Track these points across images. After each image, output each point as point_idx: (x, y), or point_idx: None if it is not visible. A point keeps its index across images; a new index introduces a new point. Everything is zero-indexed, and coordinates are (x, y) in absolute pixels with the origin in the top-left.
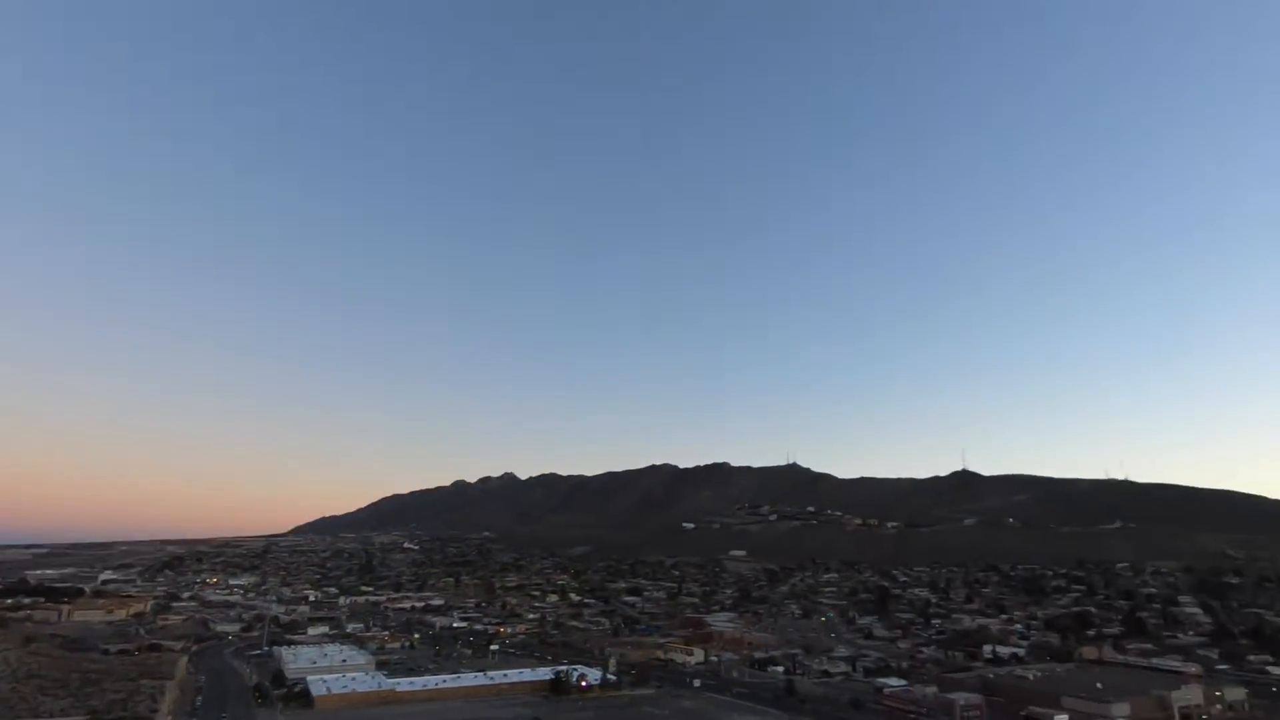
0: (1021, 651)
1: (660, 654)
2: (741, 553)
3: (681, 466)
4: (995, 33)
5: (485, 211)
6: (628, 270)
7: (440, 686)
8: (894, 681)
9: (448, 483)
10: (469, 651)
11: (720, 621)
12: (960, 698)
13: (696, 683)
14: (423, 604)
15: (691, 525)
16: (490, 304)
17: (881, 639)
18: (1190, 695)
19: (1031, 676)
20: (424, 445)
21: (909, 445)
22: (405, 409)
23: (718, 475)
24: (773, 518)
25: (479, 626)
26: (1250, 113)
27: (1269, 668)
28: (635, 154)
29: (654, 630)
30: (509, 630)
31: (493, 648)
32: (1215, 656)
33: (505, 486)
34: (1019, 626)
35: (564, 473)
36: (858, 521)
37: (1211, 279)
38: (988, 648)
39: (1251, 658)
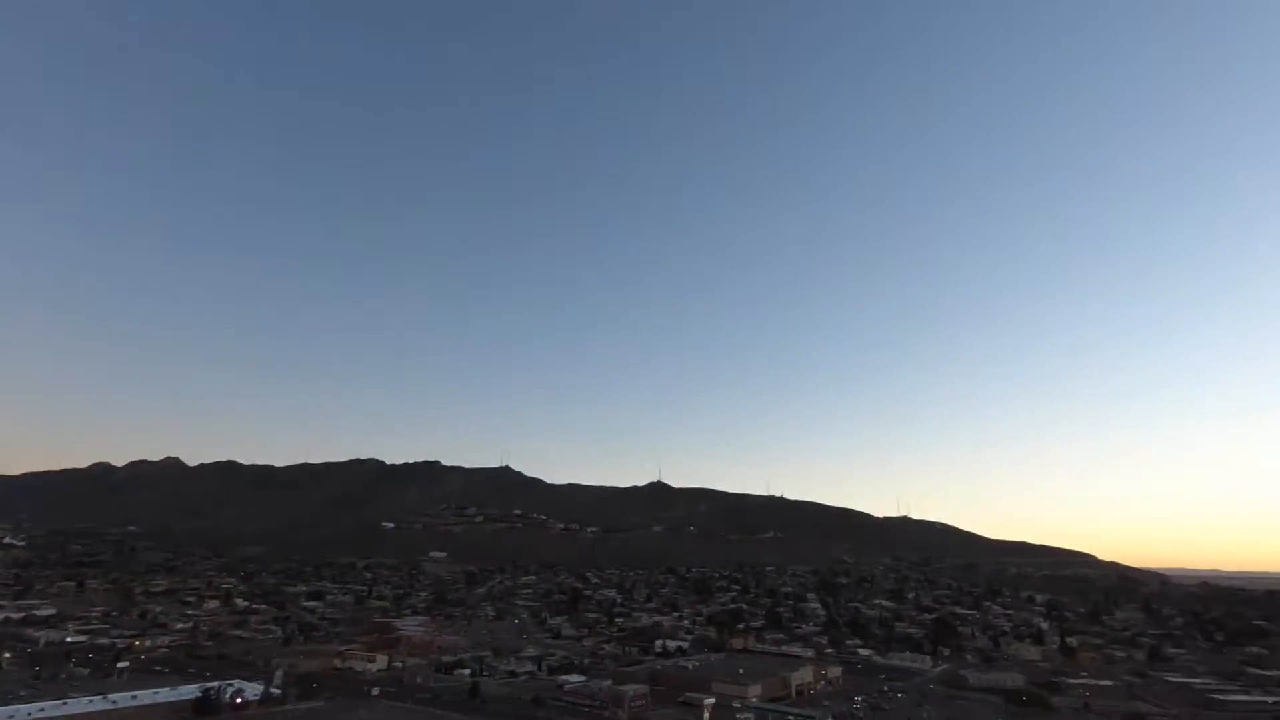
0: (686, 644)
1: (338, 663)
2: (443, 554)
3: (389, 462)
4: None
5: (174, 164)
6: (331, 239)
7: (32, 718)
8: (575, 677)
9: (83, 464)
10: (86, 671)
11: (410, 626)
12: (630, 689)
13: (375, 691)
14: (23, 615)
15: (391, 525)
16: (163, 257)
17: (569, 638)
18: (804, 675)
19: (690, 666)
20: (48, 416)
21: (615, 456)
22: (14, 368)
23: (427, 473)
24: (479, 519)
25: (104, 640)
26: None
27: (859, 649)
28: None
29: (334, 637)
30: (147, 643)
31: (121, 665)
32: (825, 642)
33: (167, 473)
34: (686, 622)
35: (246, 461)
36: (561, 526)
37: (831, 331)
38: (659, 642)
39: (849, 642)
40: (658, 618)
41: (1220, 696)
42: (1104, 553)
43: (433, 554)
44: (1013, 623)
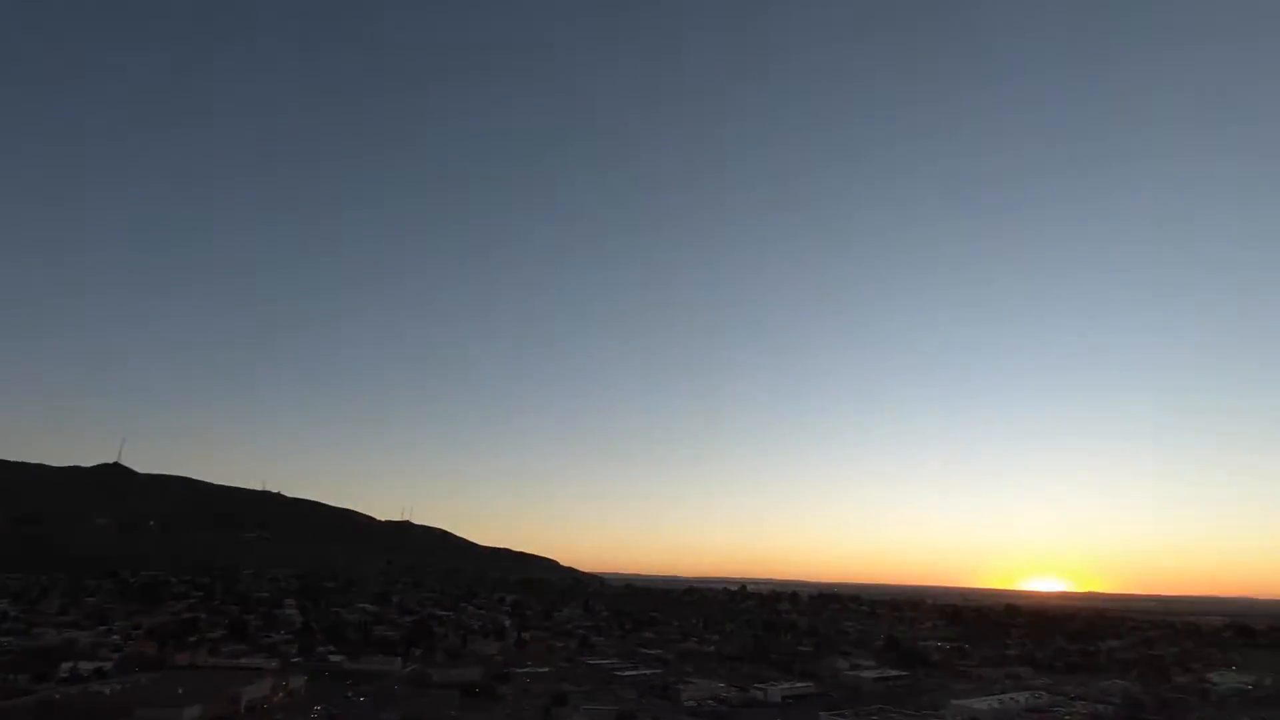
0: (109, 665)
1: None
2: None
3: None
4: None
5: None
6: None
7: None
8: None
9: None
10: None
11: None
12: None
13: None
14: None
15: None
16: None
17: None
18: (260, 689)
19: (109, 690)
20: None
21: (53, 426)
22: None
23: None
24: None
25: None
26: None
27: (330, 656)
28: None
29: None
30: None
31: None
32: (295, 651)
33: None
34: (116, 637)
35: None
36: None
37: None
38: (67, 664)
39: (321, 649)
40: (74, 633)
41: (619, 673)
42: (564, 559)
43: None
44: (482, 621)
